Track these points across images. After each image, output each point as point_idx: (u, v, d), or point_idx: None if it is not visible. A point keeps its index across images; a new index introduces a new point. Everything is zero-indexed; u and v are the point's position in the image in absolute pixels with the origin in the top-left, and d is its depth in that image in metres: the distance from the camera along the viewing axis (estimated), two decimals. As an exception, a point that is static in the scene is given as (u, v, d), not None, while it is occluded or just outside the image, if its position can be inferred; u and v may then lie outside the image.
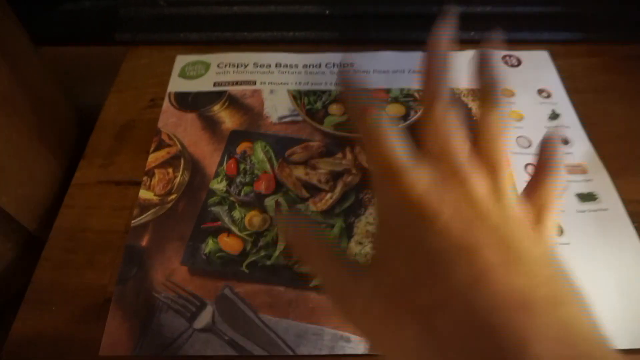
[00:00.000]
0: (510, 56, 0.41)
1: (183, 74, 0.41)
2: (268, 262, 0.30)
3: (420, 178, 0.17)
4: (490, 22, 0.43)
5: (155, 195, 0.33)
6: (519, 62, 0.41)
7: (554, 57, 0.41)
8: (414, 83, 0.39)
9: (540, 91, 0.39)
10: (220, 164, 0.35)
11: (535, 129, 0.36)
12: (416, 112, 0.37)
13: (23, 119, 0.32)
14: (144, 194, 0.33)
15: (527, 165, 0.34)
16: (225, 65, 0.41)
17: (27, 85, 0.33)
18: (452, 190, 0.17)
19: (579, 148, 0.35)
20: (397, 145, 0.17)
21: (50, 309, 0.29)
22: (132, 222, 0.32)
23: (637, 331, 0.27)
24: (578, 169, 0.34)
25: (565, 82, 0.39)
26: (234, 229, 0.31)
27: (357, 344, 0.27)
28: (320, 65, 0.41)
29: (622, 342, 0.26)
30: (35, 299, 0.30)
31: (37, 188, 0.34)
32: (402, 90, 0.39)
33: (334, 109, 0.38)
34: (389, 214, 0.18)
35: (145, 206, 0.33)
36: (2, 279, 0.33)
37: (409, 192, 0.17)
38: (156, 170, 0.34)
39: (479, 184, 0.17)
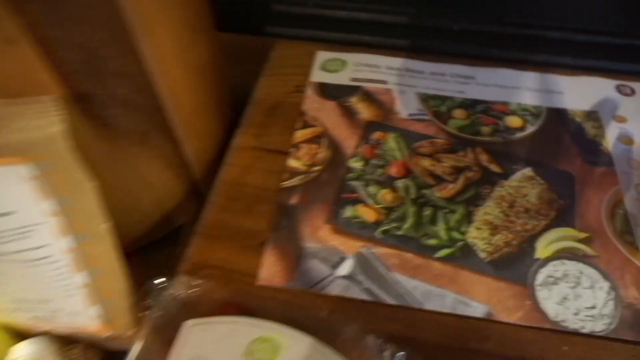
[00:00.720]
0: (624, 86, 0.44)
1: (324, 68, 0.47)
2: (398, 232, 0.35)
3: None
4: (608, 53, 0.46)
5: (302, 164, 0.39)
6: (633, 92, 0.44)
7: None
8: (530, 99, 0.44)
9: (651, 121, 0.42)
10: (358, 147, 0.40)
11: (644, 154, 0.39)
12: (532, 125, 0.41)
13: (209, 84, 0.39)
14: (292, 162, 0.39)
15: (637, 185, 0.37)
16: (361, 65, 0.47)
17: (214, 58, 0.40)
18: None
19: (685, 177, 0.38)
20: None
21: (216, 242, 0.36)
22: (282, 184, 0.38)
23: None
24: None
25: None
26: (370, 201, 0.37)
27: (476, 309, 0.31)
28: (444, 74, 0.46)
29: None
30: (204, 232, 0.36)
31: (208, 144, 0.41)
32: (519, 105, 0.43)
33: (458, 113, 0.43)
34: None
35: (294, 172, 0.39)
36: (170, 214, 0.40)
37: None
38: (302, 145, 0.41)
39: None
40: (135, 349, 0.30)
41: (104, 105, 0.31)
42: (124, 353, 0.30)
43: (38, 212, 0.28)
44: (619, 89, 0.44)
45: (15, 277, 0.31)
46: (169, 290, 0.32)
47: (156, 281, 0.33)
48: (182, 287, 0.33)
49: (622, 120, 0.42)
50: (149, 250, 0.39)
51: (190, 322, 0.31)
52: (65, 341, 0.34)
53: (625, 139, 0.40)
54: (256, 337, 0.29)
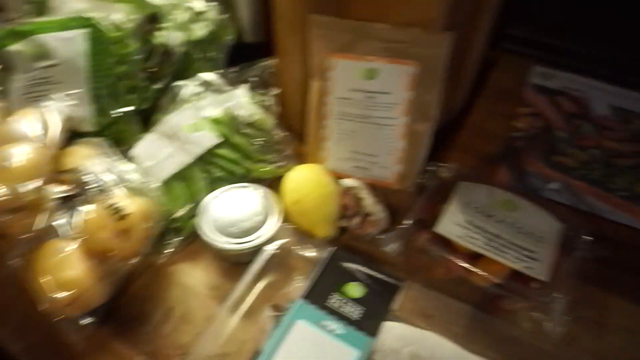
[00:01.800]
0: None
1: (540, 75, 0.68)
2: (589, 176, 0.54)
3: None
4: None
5: (523, 126, 0.60)
6: None
7: None
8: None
9: None
10: (563, 125, 0.60)
11: None
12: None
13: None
14: (517, 123, 0.60)
15: None
16: (567, 79, 0.67)
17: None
18: None
19: None
20: None
21: (468, 155, 0.57)
22: (511, 134, 0.59)
23: None
24: None
25: None
26: (571, 155, 0.56)
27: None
28: (630, 97, 0.64)
29: None
30: (461, 148, 0.57)
31: (460, 98, 0.62)
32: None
33: (637, 122, 0.61)
34: None
35: (518, 130, 0.59)
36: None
37: None
38: (523, 116, 0.61)
39: None
40: (416, 199, 0.51)
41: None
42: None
43: (403, 97, 0.50)
44: None
45: (363, 135, 0.53)
46: (440, 171, 0.53)
47: (433, 165, 0.54)
48: (447, 170, 0.53)
49: None
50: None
51: (461, 183, 0.51)
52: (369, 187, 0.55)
53: None
54: (505, 197, 0.49)
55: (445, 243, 0.46)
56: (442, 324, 0.46)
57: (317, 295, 0.45)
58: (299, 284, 0.46)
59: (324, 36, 0.50)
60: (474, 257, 0.45)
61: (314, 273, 0.47)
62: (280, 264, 0.49)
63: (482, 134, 0.59)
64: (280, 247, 0.49)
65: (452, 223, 0.47)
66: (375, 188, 0.54)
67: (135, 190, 0.49)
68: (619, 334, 0.45)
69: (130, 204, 0.46)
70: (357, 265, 0.47)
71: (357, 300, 0.45)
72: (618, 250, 0.48)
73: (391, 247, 0.48)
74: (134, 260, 0.47)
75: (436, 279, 0.49)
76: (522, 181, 0.53)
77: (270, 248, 0.48)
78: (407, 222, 0.48)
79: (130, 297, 0.49)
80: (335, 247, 0.49)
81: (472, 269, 0.45)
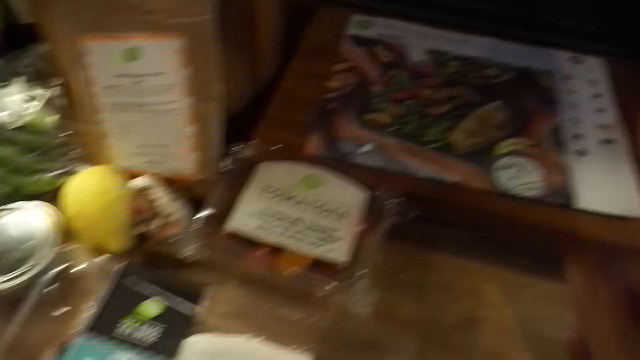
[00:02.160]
0: (574, 57, 0.61)
1: (357, 26, 0.63)
2: (402, 131, 0.51)
3: None
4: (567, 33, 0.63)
5: (338, 85, 0.55)
6: (580, 61, 0.60)
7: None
8: (504, 60, 0.60)
9: (589, 84, 0.58)
10: (378, 78, 0.56)
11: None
12: (505, 75, 0.58)
13: (281, 17, 0.55)
14: (332, 83, 0.56)
15: (571, 117, 0.53)
16: (385, 26, 0.63)
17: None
18: None
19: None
20: None
21: (277, 127, 0.51)
22: (325, 95, 0.54)
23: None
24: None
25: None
26: (385, 111, 0.53)
27: (451, 178, 0.47)
28: (444, 38, 0.62)
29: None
30: (269, 121, 0.52)
31: (272, 64, 0.56)
32: (497, 62, 0.59)
33: (452, 64, 0.59)
34: None
35: (332, 89, 0.55)
36: (244, 110, 0.55)
37: None
38: (339, 73, 0.57)
39: None
40: (215, 188, 0.45)
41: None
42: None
43: (178, 76, 0.43)
44: (571, 58, 0.60)
45: (146, 125, 0.46)
46: (243, 152, 0.48)
47: (234, 146, 0.48)
48: (253, 149, 0.48)
49: (569, 77, 0.58)
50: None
51: (262, 164, 0.46)
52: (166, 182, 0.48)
53: (569, 90, 0.57)
54: (307, 174, 0.45)
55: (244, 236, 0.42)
56: (256, 321, 0.42)
57: (104, 325, 0.39)
58: (90, 313, 0.40)
59: (68, 13, 0.41)
60: (277, 248, 0.41)
61: (100, 298, 0.40)
62: (66, 292, 0.42)
63: (295, 102, 0.54)
64: (64, 272, 0.42)
65: (246, 215, 0.42)
66: (175, 182, 0.48)
67: None
68: (439, 290, 0.45)
69: None
70: (153, 277, 0.41)
71: (155, 319, 0.40)
72: (430, 207, 0.46)
73: (188, 249, 0.42)
74: None
75: (245, 276, 0.44)
76: (334, 148, 0.49)
77: (50, 276, 0.41)
78: (202, 218, 0.43)
79: None
80: (124, 263, 0.42)
81: (276, 262, 0.40)
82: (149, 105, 0.45)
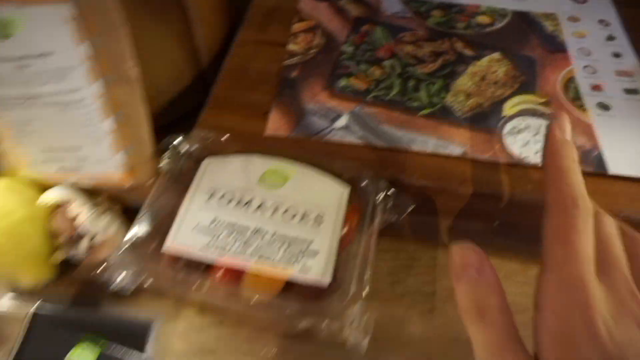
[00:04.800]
0: (578, -6, 0.51)
1: (315, -23, 0.51)
2: (386, 97, 0.40)
3: (600, 302, 0.19)
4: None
5: (300, 48, 0.44)
6: (585, 1, 0.50)
7: None
8: (497, 3, 0.49)
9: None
10: (349, 36, 0.45)
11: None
12: (499, 22, 0.47)
13: None
14: (291, 47, 0.44)
15: (585, 66, 0.43)
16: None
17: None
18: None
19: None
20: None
21: (225, 112, 0.40)
22: (283, 62, 0.43)
23: None
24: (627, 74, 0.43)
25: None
26: (362, 74, 0.42)
27: (453, 150, 0.37)
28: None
29: None
30: (215, 105, 0.40)
31: (215, 34, 0.45)
32: (489, 7, 0.49)
33: (436, 12, 0.48)
34: (559, 309, 0.20)
35: (293, 54, 0.43)
36: (179, 97, 0.44)
37: (588, 313, 0.19)
38: (300, 34, 0.45)
39: None
40: (152, 194, 0.34)
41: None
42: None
43: (75, 55, 0.32)
44: (574, -5, 0.51)
45: (47, 123, 0.34)
46: (184, 145, 0.37)
47: (172, 139, 0.37)
48: (196, 141, 0.37)
49: (575, 19, 0.48)
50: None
51: (208, 159, 0.35)
52: (90, 193, 0.37)
53: (577, 33, 0.47)
54: (268, 169, 0.34)
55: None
56: (229, 356, 0.33)
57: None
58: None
59: None
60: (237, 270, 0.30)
61: (12, 350, 0.30)
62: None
63: (246, 78, 0.42)
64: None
65: (189, 230, 0.31)
66: (101, 192, 0.37)
67: None
68: (452, 297, 0.35)
69: None
70: (83, 316, 0.31)
71: (90, 369, 0.29)
72: (430, 194, 0.36)
73: (121, 279, 0.31)
74: None
75: (201, 304, 0.34)
76: (301, 127, 0.38)
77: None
78: (135, 236, 0.32)
79: None
80: (42, 300, 0.32)
81: (237, 289, 0.30)
82: (44, 97, 0.33)
